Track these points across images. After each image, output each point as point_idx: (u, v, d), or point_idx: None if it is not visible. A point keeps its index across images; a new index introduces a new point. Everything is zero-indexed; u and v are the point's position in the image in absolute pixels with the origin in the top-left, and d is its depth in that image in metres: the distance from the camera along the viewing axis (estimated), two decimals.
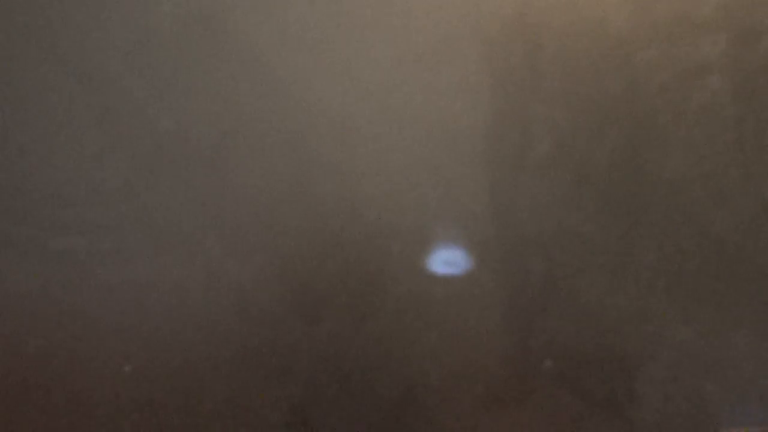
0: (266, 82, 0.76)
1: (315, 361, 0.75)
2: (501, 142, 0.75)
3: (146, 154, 0.76)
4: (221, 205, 0.76)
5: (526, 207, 0.75)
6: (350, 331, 0.75)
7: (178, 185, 0.76)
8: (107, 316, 0.75)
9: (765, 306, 0.73)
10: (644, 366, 0.73)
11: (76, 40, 0.76)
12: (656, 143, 0.74)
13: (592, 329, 0.74)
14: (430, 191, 0.75)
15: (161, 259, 0.76)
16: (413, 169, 0.76)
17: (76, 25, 0.77)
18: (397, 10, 0.76)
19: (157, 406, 0.75)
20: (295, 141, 0.76)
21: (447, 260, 0.75)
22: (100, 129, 0.76)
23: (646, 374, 0.73)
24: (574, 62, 0.75)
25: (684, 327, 0.73)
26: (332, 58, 0.76)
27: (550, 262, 0.75)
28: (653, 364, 0.73)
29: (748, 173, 0.73)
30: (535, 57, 0.75)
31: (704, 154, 0.74)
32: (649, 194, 0.74)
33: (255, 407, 0.75)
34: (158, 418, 0.75)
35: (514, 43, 0.75)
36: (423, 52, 0.76)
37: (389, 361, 0.75)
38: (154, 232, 0.76)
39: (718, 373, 0.73)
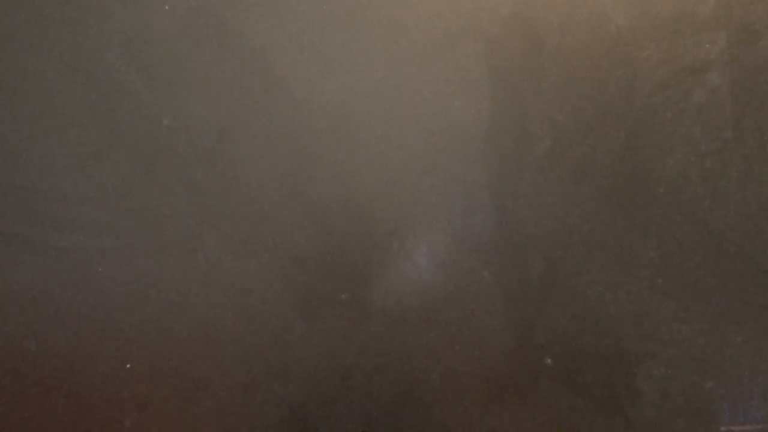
0: (266, 80, 0.76)
1: (315, 360, 0.75)
2: (501, 140, 0.75)
3: (146, 151, 0.76)
4: (221, 203, 0.76)
5: (527, 204, 0.75)
6: (350, 329, 0.76)
7: (177, 183, 0.76)
8: (107, 314, 0.75)
9: (764, 304, 0.73)
10: (644, 363, 0.73)
11: (76, 38, 0.76)
12: (656, 141, 0.74)
13: (593, 327, 0.74)
14: (430, 189, 0.75)
15: (161, 257, 0.76)
16: (413, 167, 0.75)
17: (75, 22, 0.76)
18: (397, 9, 0.76)
19: (158, 404, 0.75)
20: (294, 139, 0.76)
21: None
22: (99, 127, 0.76)
23: (646, 372, 0.74)
24: (573, 60, 0.75)
25: (683, 324, 0.73)
26: (332, 56, 0.76)
27: (550, 260, 0.75)
28: (653, 361, 0.73)
29: (748, 171, 0.73)
30: (535, 54, 0.75)
31: (704, 151, 0.74)
32: (648, 192, 0.74)
33: (255, 405, 0.75)
34: (158, 416, 0.75)
35: (514, 40, 0.75)
36: (422, 49, 0.76)
37: (389, 359, 0.75)
38: (153, 230, 0.76)
39: (718, 370, 0.73)
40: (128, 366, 0.75)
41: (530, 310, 0.75)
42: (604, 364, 0.74)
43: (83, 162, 0.76)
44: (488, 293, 0.75)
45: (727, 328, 0.73)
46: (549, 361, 0.74)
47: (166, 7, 0.76)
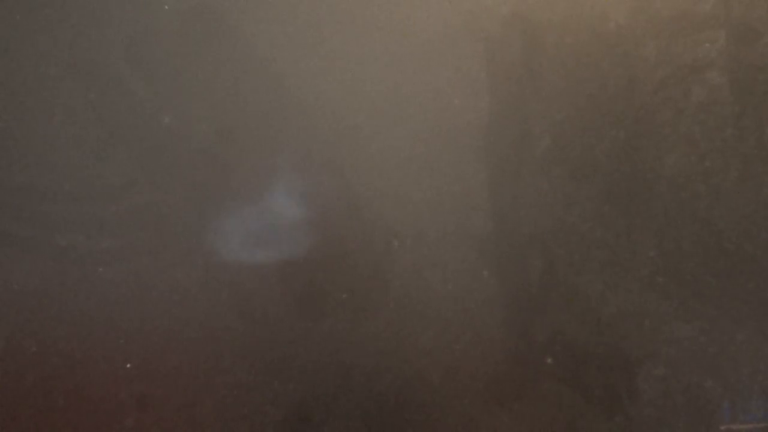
0: (266, 80, 0.76)
1: (315, 359, 0.75)
2: (500, 139, 0.75)
3: (146, 150, 0.76)
4: (221, 203, 0.76)
5: (526, 204, 0.75)
6: (350, 329, 0.75)
7: (178, 182, 0.76)
8: (107, 313, 0.75)
9: (764, 303, 0.73)
10: (644, 363, 0.73)
11: (76, 38, 0.76)
12: (655, 140, 0.74)
13: (593, 326, 0.74)
14: (430, 188, 0.75)
15: (161, 257, 0.76)
16: (413, 166, 0.76)
17: (76, 21, 0.76)
18: (397, 8, 0.76)
19: (158, 403, 0.75)
20: (294, 139, 0.76)
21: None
22: (100, 126, 0.76)
23: (646, 371, 0.73)
24: (573, 59, 0.75)
25: (683, 324, 0.73)
26: (332, 56, 0.76)
27: (549, 259, 0.75)
28: (653, 360, 0.73)
29: (748, 169, 0.73)
30: (534, 54, 0.75)
31: (703, 150, 0.74)
32: (648, 191, 0.74)
33: (255, 404, 0.75)
34: (159, 416, 0.75)
35: (513, 39, 0.75)
36: (422, 49, 0.76)
37: (389, 358, 0.75)
38: (153, 230, 0.76)
39: (718, 369, 0.73)
40: (128, 366, 0.75)
41: (530, 309, 0.75)
42: (604, 364, 0.74)
43: (83, 161, 0.76)
44: (488, 293, 0.75)
45: (727, 327, 0.73)
46: (549, 360, 0.74)
47: (166, 7, 0.77)
